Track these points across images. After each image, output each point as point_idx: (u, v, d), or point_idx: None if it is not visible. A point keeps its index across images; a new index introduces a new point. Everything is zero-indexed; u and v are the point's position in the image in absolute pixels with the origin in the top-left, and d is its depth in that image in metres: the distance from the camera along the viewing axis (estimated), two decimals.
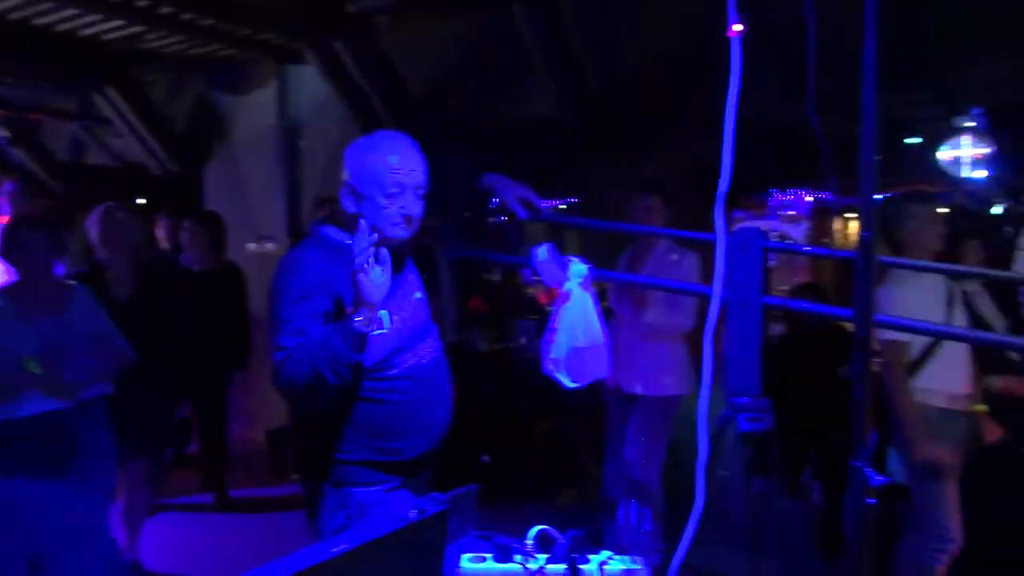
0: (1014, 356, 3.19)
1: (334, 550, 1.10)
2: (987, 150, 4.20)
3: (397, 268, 2.04)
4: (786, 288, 6.58)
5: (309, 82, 5.88)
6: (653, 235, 3.43)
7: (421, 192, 1.95)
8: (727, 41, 1.41)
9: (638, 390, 3.44)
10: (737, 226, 1.60)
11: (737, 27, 1.39)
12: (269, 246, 6.13)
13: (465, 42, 5.36)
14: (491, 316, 5.56)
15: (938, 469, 2.88)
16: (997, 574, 3.24)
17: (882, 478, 1.22)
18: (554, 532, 1.56)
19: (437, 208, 2.10)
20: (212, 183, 6.70)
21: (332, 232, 2.01)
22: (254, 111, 6.34)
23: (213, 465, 4.81)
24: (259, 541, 4.19)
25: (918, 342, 2.94)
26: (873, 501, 1.22)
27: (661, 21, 4.60)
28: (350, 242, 1.98)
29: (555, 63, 5.00)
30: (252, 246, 6.20)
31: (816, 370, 4.05)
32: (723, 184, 1.45)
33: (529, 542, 1.56)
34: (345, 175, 1.95)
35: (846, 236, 8.02)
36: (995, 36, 4.01)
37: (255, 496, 4.89)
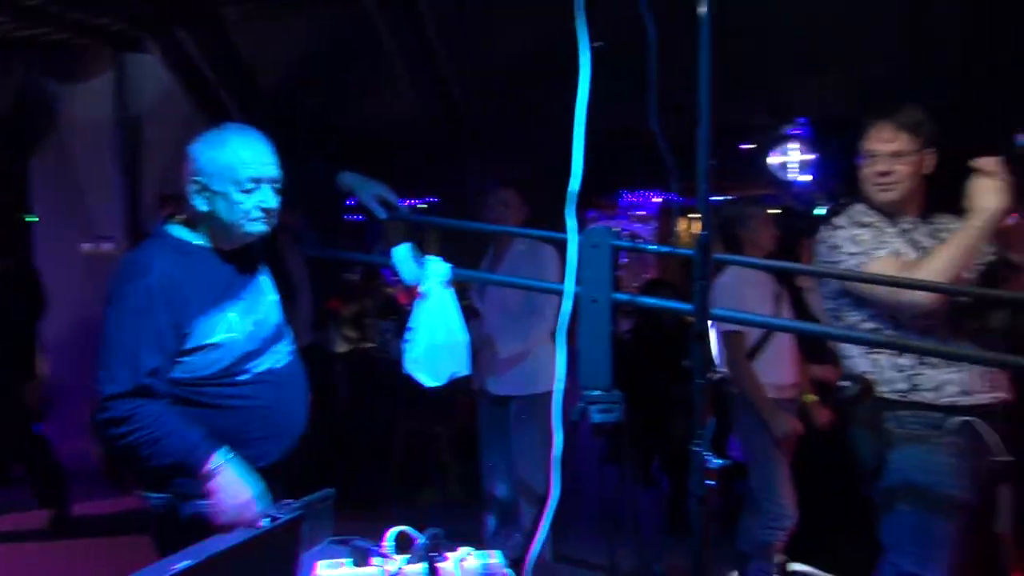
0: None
1: (177, 566, 1.04)
2: (811, 156, 4.58)
3: (250, 268, 1.97)
4: (636, 285, 6.87)
5: (150, 72, 5.54)
6: (509, 234, 3.47)
7: (277, 186, 1.89)
8: (577, 45, 1.46)
9: (509, 391, 3.39)
10: (589, 225, 1.65)
11: (594, 44, 1.44)
12: (106, 247, 5.73)
13: (320, 37, 5.23)
14: (350, 317, 5.47)
15: (774, 452, 3.11)
16: (828, 545, 3.53)
17: (720, 460, 1.30)
18: (413, 532, 1.55)
19: (292, 206, 2.04)
20: (39, 178, 6.17)
21: (181, 232, 1.91)
22: (88, 101, 5.90)
23: (44, 480, 4.44)
24: (99, 563, 3.90)
25: (752, 336, 3.17)
26: (713, 483, 1.30)
27: (520, 22, 4.68)
28: (200, 243, 1.89)
29: (413, 61, 4.98)
30: (86, 246, 5.77)
31: (664, 363, 4.26)
32: (573, 184, 1.50)
33: (388, 544, 1.54)
34: (194, 172, 1.84)
35: (691, 235, 8.47)
36: (820, 53, 4.36)
37: (98, 514, 4.56)
